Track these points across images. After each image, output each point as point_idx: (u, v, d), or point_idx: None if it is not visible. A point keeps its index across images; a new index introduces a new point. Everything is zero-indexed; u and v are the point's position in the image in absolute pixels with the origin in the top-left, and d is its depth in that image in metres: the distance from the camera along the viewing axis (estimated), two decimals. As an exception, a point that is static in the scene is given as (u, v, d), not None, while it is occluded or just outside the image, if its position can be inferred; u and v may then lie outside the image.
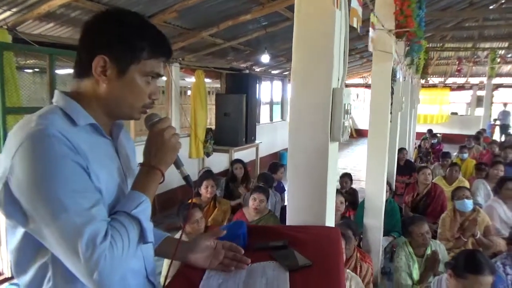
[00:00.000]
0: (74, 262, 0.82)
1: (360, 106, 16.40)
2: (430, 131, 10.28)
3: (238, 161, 5.27)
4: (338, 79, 1.61)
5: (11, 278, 3.05)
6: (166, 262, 2.38)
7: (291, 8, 1.56)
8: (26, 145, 0.82)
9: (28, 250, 0.90)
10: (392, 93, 3.71)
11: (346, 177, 5.08)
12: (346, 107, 1.57)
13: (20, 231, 0.89)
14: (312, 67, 1.56)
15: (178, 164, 1.06)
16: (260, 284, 1.08)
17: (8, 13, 3.32)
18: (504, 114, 13.44)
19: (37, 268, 0.90)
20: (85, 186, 0.86)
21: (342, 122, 1.55)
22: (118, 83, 0.95)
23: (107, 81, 0.94)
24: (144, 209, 0.92)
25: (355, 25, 1.66)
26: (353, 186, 5.22)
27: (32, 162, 0.81)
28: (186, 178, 1.07)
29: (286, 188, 2.71)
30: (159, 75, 1.01)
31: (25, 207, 0.83)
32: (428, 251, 2.85)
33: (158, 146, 0.98)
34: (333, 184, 1.71)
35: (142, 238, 0.92)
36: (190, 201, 3.18)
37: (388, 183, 4.12)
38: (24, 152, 0.82)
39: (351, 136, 14.68)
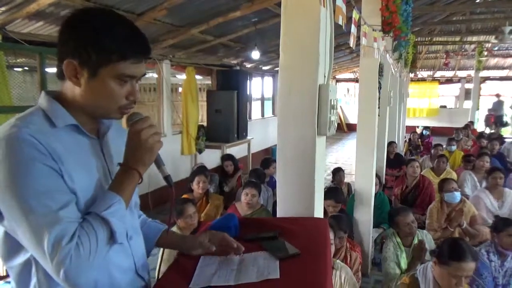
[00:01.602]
0: (43, 261, 0.86)
1: (351, 101, 16.47)
2: (425, 128, 10.36)
3: (228, 157, 5.32)
4: (324, 76, 1.67)
5: (6, 276, 3.07)
6: (160, 255, 2.42)
7: (280, 5, 1.59)
8: None
9: (12, 246, 0.92)
10: (380, 87, 3.79)
11: (341, 171, 4.87)
12: (332, 103, 1.63)
13: (2, 227, 0.93)
14: (298, 64, 1.61)
15: (158, 164, 1.05)
16: (251, 272, 1.13)
17: (-3, 12, 3.32)
18: (498, 105, 13.38)
19: (22, 263, 0.93)
20: (55, 187, 0.87)
21: (329, 117, 1.61)
22: (90, 86, 0.95)
23: (79, 84, 0.95)
24: (115, 210, 0.92)
25: (340, 23, 1.71)
26: (345, 180, 5.22)
27: (2, 164, 0.84)
28: (166, 178, 1.06)
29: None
30: (133, 77, 0.98)
31: None
32: (415, 241, 2.92)
33: (136, 146, 0.97)
34: (321, 177, 1.77)
35: (112, 239, 0.92)
36: (173, 200, 3.19)
37: (378, 177, 4.20)
38: None
39: (342, 130, 14.78)
